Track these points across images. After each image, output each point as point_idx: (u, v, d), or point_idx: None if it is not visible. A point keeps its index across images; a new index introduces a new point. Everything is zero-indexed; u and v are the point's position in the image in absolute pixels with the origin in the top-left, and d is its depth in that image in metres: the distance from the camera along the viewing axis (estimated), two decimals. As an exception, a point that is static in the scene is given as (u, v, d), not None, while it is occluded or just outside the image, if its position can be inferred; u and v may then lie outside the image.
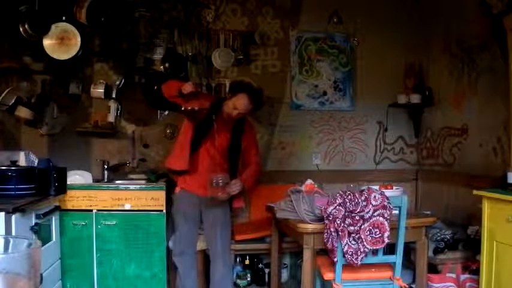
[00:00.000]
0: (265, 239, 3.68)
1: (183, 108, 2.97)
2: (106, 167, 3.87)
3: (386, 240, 2.49)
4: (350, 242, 2.48)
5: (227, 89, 4.04)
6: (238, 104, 3.06)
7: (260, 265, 4.00)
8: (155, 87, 3.80)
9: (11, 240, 1.28)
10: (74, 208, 3.35)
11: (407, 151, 4.51)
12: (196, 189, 3.17)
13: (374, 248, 2.52)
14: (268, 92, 4.26)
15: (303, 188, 2.94)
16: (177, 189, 3.24)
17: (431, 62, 4.24)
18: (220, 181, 2.97)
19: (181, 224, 3.22)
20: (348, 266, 2.55)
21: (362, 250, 2.48)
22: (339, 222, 2.45)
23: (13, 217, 2.37)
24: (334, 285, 2.59)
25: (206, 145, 3.16)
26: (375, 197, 2.49)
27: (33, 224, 2.62)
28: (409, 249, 3.13)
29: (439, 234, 3.36)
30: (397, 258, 2.63)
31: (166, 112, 4.06)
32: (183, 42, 4.10)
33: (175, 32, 4.08)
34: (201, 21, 4.14)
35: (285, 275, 4.00)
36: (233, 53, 4.08)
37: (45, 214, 2.79)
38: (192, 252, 3.29)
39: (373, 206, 2.48)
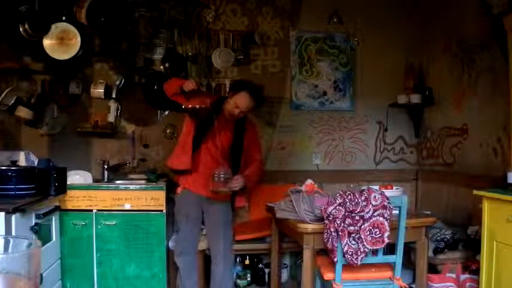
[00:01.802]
0: (265, 239, 3.68)
1: (183, 107, 2.98)
2: (106, 167, 3.87)
3: (386, 240, 2.49)
4: (350, 242, 2.48)
5: (227, 89, 4.05)
6: (240, 102, 3.06)
7: (260, 265, 4.00)
8: (155, 87, 3.80)
9: (11, 240, 1.28)
10: (74, 208, 3.35)
11: (407, 151, 4.51)
12: (198, 188, 3.17)
13: (374, 248, 2.52)
14: (268, 92, 4.27)
15: (303, 188, 2.94)
16: (179, 190, 3.23)
17: (431, 62, 4.23)
18: (222, 176, 2.99)
19: (183, 224, 3.22)
20: (348, 266, 2.55)
21: (362, 250, 2.48)
22: (339, 222, 2.45)
23: (13, 217, 2.37)
24: (334, 285, 2.59)
25: (208, 144, 3.15)
26: (375, 197, 2.49)
27: (33, 224, 2.62)
28: (409, 249, 3.13)
29: (439, 234, 3.36)
30: (397, 258, 2.63)
31: (166, 112, 4.06)
32: (183, 42, 4.10)
33: (175, 32, 4.08)
34: (201, 21, 4.14)
35: (285, 275, 3.99)
36: (233, 53, 4.09)
37: (45, 214, 2.79)
38: (194, 252, 3.29)
39: (373, 206, 2.48)
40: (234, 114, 3.10)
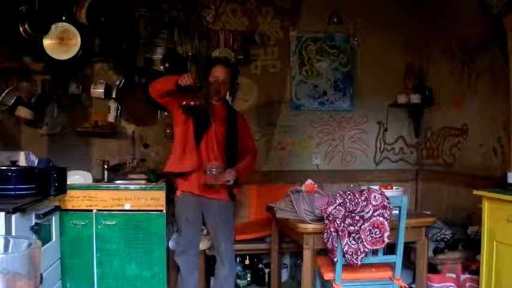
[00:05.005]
0: (265, 239, 3.68)
1: (182, 105, 2.95)
2: (106, 167, 3.87)
3: (386, 240, 2.49)
4: (350, 242, 2.48)
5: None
6: (217, 73, 3.15)
7: (260, 265, 4.00)
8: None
9: (11, 240, 1.28)
10: (74, 208, 3.35)
11: (407, 151, 4.51)
12: (197, 189, 3.15)
13: (374, 248, 2.52)
14: (268, 92, 4.28)
15: (303, 188, 2.94)
16: (178, 193, 3.21)
17: (431, 62, 4.24)
18: (214, 170, 2.99)
19: (183, 226, 3.21)
20: (348, 266, 2.55)
21: (362, 250, 2.48)
22: (339, 222, 2.45)
23: (13, 217, 2.37)
24: (334, 285, 2.59)
25: (206, 142, 3.14)
26: (375, 197, 2.49)
27: (33, 224, 2.61)
28: (409, 249, 3.13)
29: (439, 234, 3.36)
30: (397, 258, 2.63)
31: (166, 112, 4.06)
32: (183, 42, 4.10)
33: (175, 32, 4.08)
34: (201, 21, 4.14)
35: (285, 275, 4.00)
36: (233, 53, 4.09)
37: (45, 214, 2.78)
38: (195, 252, 3.28)
39: (373, 206, 2.48)
40: (219, 90, 3.16)
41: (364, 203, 2.47)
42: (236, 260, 3.83)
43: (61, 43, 3.49)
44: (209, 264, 3.78)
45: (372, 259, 2.64)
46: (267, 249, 3.63)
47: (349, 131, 4.43)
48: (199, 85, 3.08)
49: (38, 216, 2.68)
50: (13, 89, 3.69)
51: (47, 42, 3.46)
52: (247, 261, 3.96)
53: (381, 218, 2.48)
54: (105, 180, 3.80)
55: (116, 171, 3.94)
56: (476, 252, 2.98)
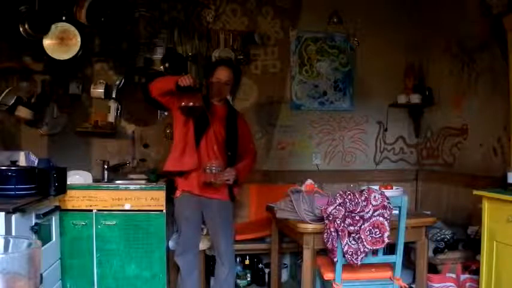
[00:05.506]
0: (265, 239, 3.68)
1: (180, 106, 2.94)
2: (106, 167, 3.86)
3: (386, 240, 2.49)
4: (350, 242, 2.48)
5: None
6: (220, 75, 3.17)
7: (260, 265, 4.00)
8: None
9: (11, 240, 1.28)
10: (74, 208, 3.35)
11: (407, 151, 4.51)
12: (197, 189, 3.15)
13: (374, 248, 2.52)
14: (268, 92, 4.28)
15: (303, 188, 2.94)
16: (178, 193, 3.20)
17: (431, 62, 4.24)
18: (214, 168, 2.99)
19: (183, 226, 3.21)
20: (348, 266, 2.55)
21: (362, 250, 2.48)
22: (339, 222, 2.45)
23: (13, 217, 2.37)
24: (334, 285, 2.59)
25: (206, 142, 3.14)
26: (375, 197, 2.49)
27: (33, 224, 2.61)
28: (409, 249, 3.13)
29: (439, 234, 3.36)
30: (397, 258, 2.63)
31: (166, 112, 4.06)
32: (183, 42, 4.10)
33: (175, 32, 4.08)
34: (201, 21, 4.14)
35: (285, 275, 4.00)
36: (233, 53, 4.09)
37: (45, 214, 2.78)
38: (195, 252, 3.28)
39: (373, 206, 2.48)
40: (220, 91, 3.17)
41: (364, 203, 2.47)
42: (236, 260, 3.83)
43: (61, 43, 3.49)
44: (209, 264, 3.78)
45: (372, 259, 2.64)
46: (267, 249, 3.63)
47: (349, 131, 4.43)
48: (198, 86, 3.06)
49: (38, 216, 2.68)
50: (13, 89, 3.69)
51: (47, 42, 3.47)
52: (247, 261, 3.97)
53: (381, 218, 2.48)
54: (105, 180, 3.80)
55: (116, 171, 3.94)
56: (476, 252, 2.98)
